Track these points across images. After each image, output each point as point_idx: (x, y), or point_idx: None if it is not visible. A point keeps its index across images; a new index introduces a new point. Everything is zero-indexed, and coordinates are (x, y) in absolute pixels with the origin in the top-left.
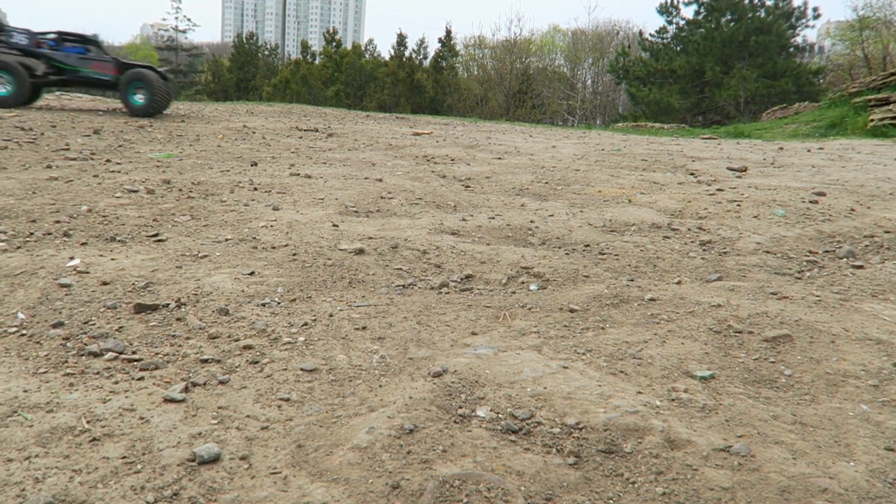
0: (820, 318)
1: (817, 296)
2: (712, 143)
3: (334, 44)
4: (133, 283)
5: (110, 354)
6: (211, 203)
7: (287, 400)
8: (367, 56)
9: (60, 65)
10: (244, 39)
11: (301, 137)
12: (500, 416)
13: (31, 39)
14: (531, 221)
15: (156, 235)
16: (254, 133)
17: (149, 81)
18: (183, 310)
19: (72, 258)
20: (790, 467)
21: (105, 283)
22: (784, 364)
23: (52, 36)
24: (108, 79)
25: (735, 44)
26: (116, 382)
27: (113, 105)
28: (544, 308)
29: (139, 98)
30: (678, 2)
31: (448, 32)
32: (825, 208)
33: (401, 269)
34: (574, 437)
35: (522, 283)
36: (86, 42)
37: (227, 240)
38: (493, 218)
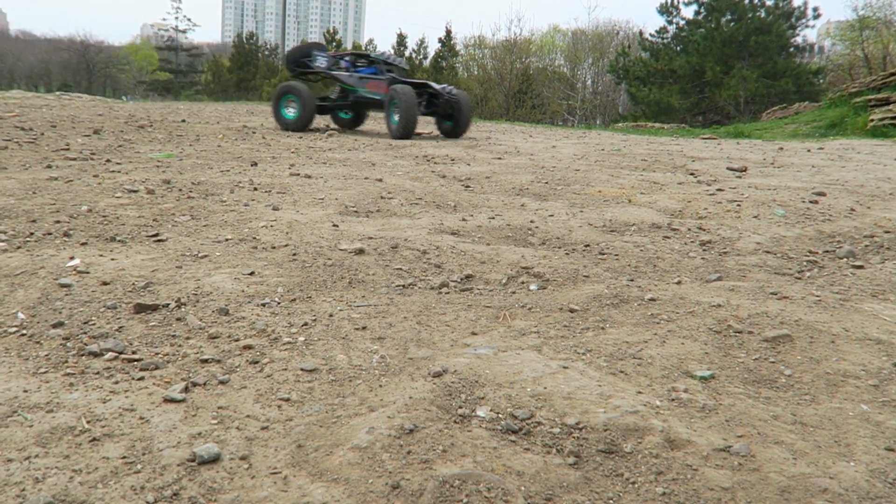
0: (820, 318)
1: (817, 296)
2: (712, 143)
3: (334, 44)
4: (133, 283)
5: (110, 354)
6: (211, 203)
7: (287, 400)
8: None
9: (345, 86)
10: (244, 39)
11: (301, 137)
12: (500, 416)
13: (330, 62)
14: (531, 221)
15: (156, 235)
16: (254, 133)
17: (400, 99)
18: (183, 310)
19: (72, 258)
20: (790, 467)
21: (105, 283)
22: (784, 364)
23: (348, 57)
24: (378, 98)
25: (735, 44)
26: (116, 382)
27: (113, 104)
28: (544, 308)
29: (395, 117)
30: (678, 2)
31: (448, 32)
32: (825, 208)
33: (401, 269)
34: (574, 437)
35: (522, 283)
36: (375, 62)
37: (227, 240)
38: (493, 218)
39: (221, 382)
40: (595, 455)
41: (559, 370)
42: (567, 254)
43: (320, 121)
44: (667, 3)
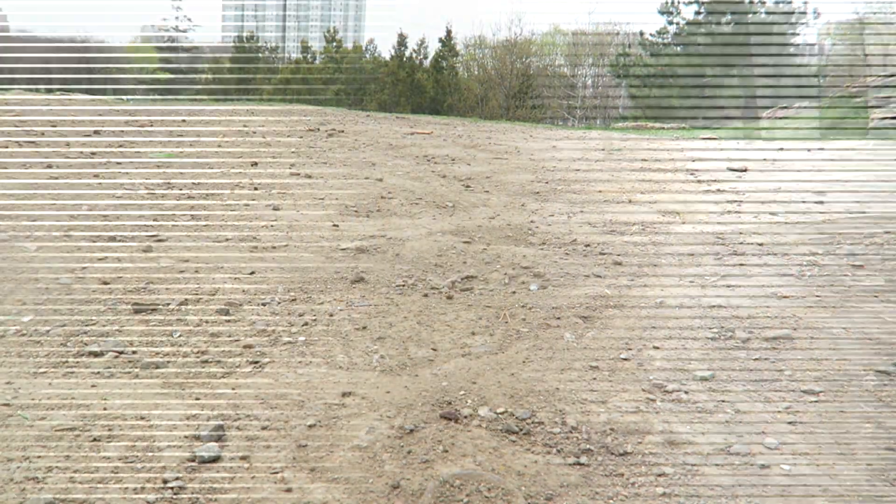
0: (820, 318)
1: (817, 296)
2: (712, 143)
3: (335, 44)
4: (133, 283)
5: (111, 354)
6: (211, 203)
7: (287, 399)
8: (367, 56)
9: None
10: (244, 39)
11: (301, 137)
12: (500, 415)
13: None
14: (531, 221)
15: (156, 235)
16: (254, 133)
17: None
18: (183, 309)
19: (73, 258)
20: (790, 467)
21: (105, 283)
22: (784, 364)
23: None
24: None
25: (735, 44)
26: (117, 381)
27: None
28: (544, 308)
29: None
30: (678, 2)
31: (448, 32)
32: (825, 208)
33: (401, 268)
34: (575, 437)
35: (522, 283)
36: None
37: (227, 240)
38: (493, 218)
39: (222, 382)
40: (595, 455)
41: (559, 370)
42: (567, 254)
43: (318, 121)
44: (667, 3)
